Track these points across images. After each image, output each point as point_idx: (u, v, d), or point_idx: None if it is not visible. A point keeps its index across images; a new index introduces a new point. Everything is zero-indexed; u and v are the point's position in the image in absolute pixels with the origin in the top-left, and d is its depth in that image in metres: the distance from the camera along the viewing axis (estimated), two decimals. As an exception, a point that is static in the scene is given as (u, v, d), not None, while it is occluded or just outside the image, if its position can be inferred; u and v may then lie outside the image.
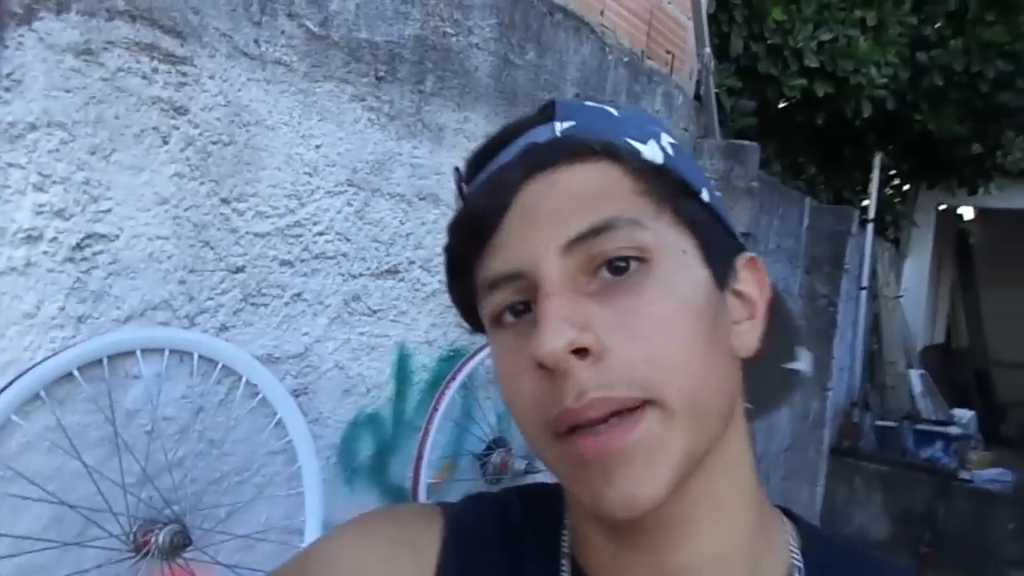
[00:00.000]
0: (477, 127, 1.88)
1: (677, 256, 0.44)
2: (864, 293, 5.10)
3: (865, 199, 5.50)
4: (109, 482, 1.20)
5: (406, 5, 1.67)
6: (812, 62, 4.07)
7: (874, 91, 4.36)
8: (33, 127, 1.10)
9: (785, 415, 4.20)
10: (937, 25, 5.02)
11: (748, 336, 0.48)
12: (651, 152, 0.46)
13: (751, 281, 0.49)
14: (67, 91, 1.14)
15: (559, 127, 0.45)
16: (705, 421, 0.43)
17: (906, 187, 6.76)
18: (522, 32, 2.02)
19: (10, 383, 1.08)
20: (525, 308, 0.44)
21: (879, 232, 5.76)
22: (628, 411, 0.41)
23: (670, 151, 0.47)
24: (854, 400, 5.13)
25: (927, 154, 5.57)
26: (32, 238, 1.11)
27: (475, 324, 0.50)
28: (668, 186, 0.45)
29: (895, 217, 6.39)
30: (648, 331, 0.41)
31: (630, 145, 0.45)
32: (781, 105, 4.58)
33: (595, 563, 0.49)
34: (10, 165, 1.09)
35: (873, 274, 5.34)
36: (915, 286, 6.62)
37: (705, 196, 0.48)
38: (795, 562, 0.49)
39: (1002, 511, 4.34)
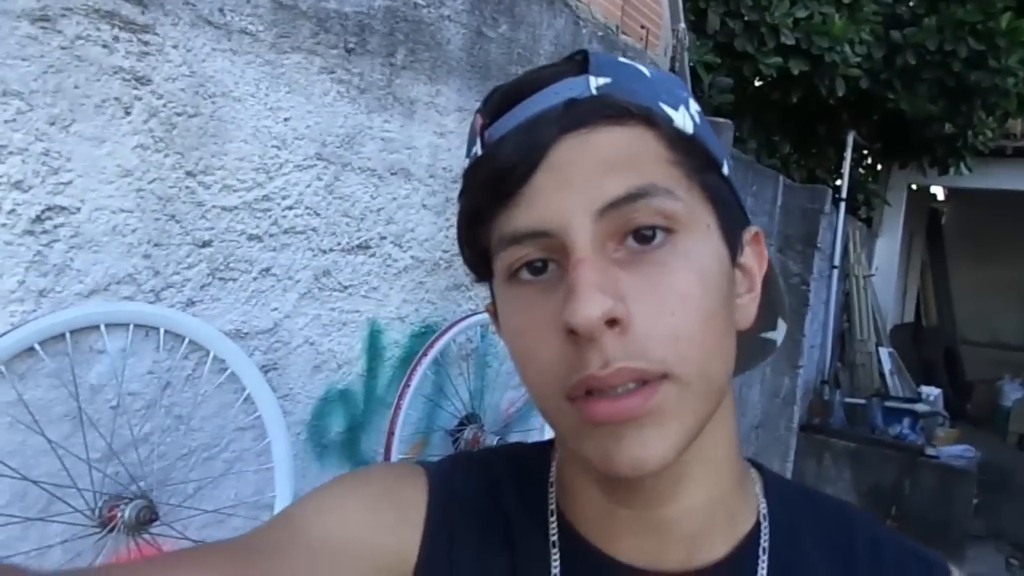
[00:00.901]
0: (449, 101, 1.86)
1: (702, 230, 0.45)
2: (836, 272, 5.15)
3: (838, 178, 5.55)
4: (74, 457, 1.18)
5: (376, -24, 1.65)
6: (788, 39, 4.08)
7: (848, 70, 4.39)
8: (-11, 96, 1.08)
9: (756, 392, 4.25)
10: (911, 3, 5.04)
11: (747, 309, 0.49)
12: (682, 120, 0.46)
13: (754, 255, 0.50)
14: (23, 59, 1.11)
15: (594, 82, 0.45)
16: (712, 391, 0.44)
17: (878, 166, 6.83)
18: (495, 5, 1.99)
19: (-32, 358, 1.06)
20: (544, 266, 0.44)
21: (851, 211, 5.82)
22: (646, 381, 0.42)
23: (698, 120, 0.47)
24: (824, 378, 5.20)
25: (899, 133, 5.62)
26: (-11, 210, 1.09)
27: (480, 273, 0.50)
28: (696, 157, 0.46)
29: (867, 196, 6.45)
30: (673, 305, 0.42)
31: (664, 111, 0.45)
32: (757, 84, 4.59)
33: (583, 517, 0.51)
34: (-35, 135, 1.06)
35: (845, 253, 5.40)
36: (886, 265, 6.71)
37: (725, 169, 0.48)
38: (761, 507, 0.52)
39: (966, 486, 4.45)
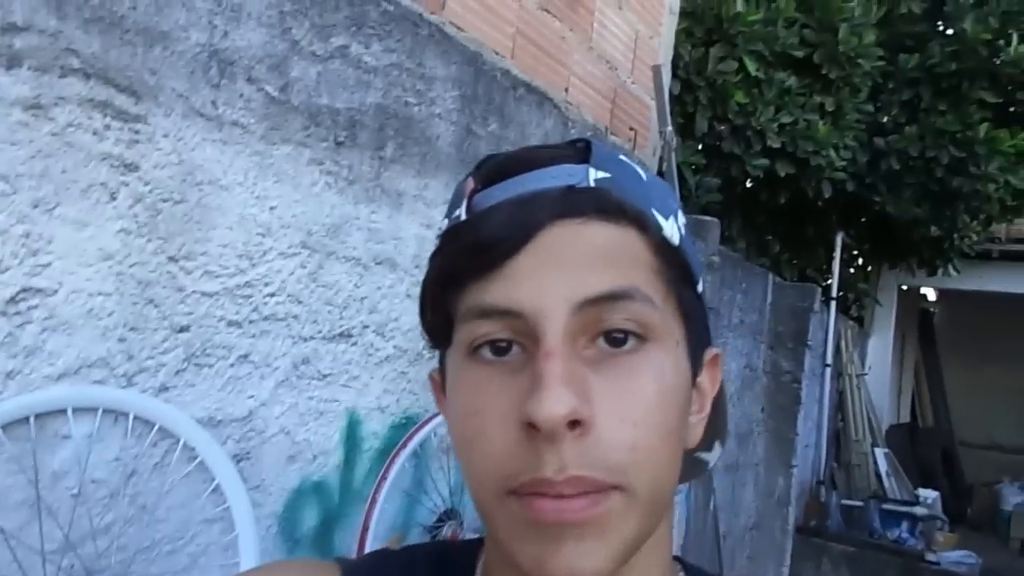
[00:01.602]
0: (437, 194, 1.90)
1: (671, 345, 0.44)
2: (828, 370, 5.14)
3: (829, 277, 5.61)
4: (26, 548, 1.14)
5: (368, 75, 1.70)
6: (774, 143, 4.21)
7: (834, 173, 4.51)
8: (-26, 178, 1.09)
9: (750, 491, 4.16)
10: (893, 113, 5.23)
11: (695, 429, 0.49)
12: (671, 230, 0.46)
13: (709, 376, 0.50)
14: (12, 144, 1.13)
15: (593, 174, 0.44)
16: (658, 507, 0.44)
17: (868, 267, 6.91)
18: (484, 104, 2.06)
19: (-73, 440, 1.03)
20: (507, 347, 0.43)
21: (843, 310, 5.85)
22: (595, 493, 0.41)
23: (683, 232, 0.47)
24: (820, 479, 5.10)
25: (887, 235, 5.73)
26: (-36, 290, 1.09)
27: (438, 340, 0.48)
28: (677, 270, 0.46)
29: (858, 295, 6.51)
30: (636, 415, 0.41)
31: (655, 218, 0.45)
32: (747, 185, 4.71)
33: None
34: (-53, 216, 1.07)
35: (837, 351, 5.40)
36: (879, 364, 6.70)
37: (700, 287, 0.49)
38: None
39: (969, 595, 4.29)
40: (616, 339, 0.42)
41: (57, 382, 1.19)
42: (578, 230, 0.43)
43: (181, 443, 1.32)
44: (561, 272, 0.42)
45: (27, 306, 1.15)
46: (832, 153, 4.40)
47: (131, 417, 1.26)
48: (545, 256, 0.42)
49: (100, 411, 1.22)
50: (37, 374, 1.16)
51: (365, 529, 1.62)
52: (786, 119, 4.25)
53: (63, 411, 1.18)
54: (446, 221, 0.48)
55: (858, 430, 5.48)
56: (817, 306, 4.45)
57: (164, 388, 1.34)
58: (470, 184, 0.46)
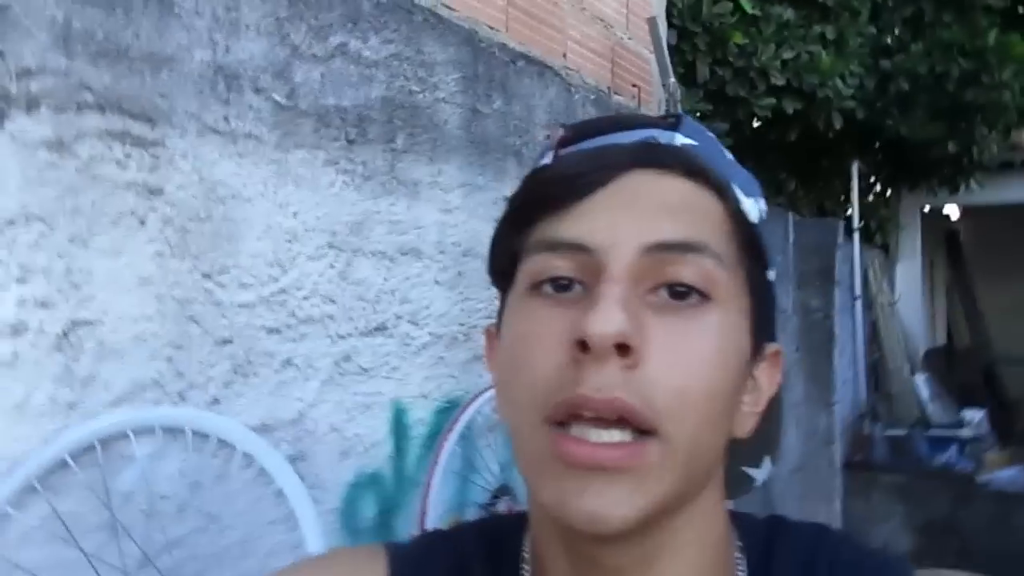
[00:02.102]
0: (452, 179, 1.91)
1: (735, 312, 0.44)
2: (858, 302, 5.11)
3: (848, 209, 5.56)
4: (109, 567, 1.19)
5: (370, 69, 1.72)
6: (778, 80, 4.15)
7: (843, 103, 4.44)
8: (11, 222, 1.13)
9: (792, 435, 4.18)
10: (896, 32, 5.13)
11: (747, 419, 0.48)
12: (749, 206, 0.46)
13: (768, 372, 0.49)
14: (42, 184, 1.16)
15: (680, 139, 0.45)
16: (697, 474, 0.43)
17: (888, 192, 6.83)
18: (487, 83, 2.06)
19: (3, 476, 1.08)
20: (568, 286, 0.42)
21: (867, 240, 5.80)
22: (633, 433, 0.40)
23: (764, 216, 0.48)
24: (862, 412, 5.11)
25: (904, 158, 5.65)
26: (17, 330, 1.13)
27: (501, 281, 0.48)
28: (750, 245, 0.46)
29: (880, 223, 6.44)
30: (687, 363, 0.41)
31: (735, 192, 0.46)
32: (755, 126, 4.66)
33: None
34: (-9, 262, 1.11)
35: (865, 282, 5.36)
36: (909, 290, 6.64)
37: (771, 275, 0.49)
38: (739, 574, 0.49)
39: (1026, 511, 4.29)
40: (679, 292, 0.42)
41: (115, 407, 1.23)
42: (657, 178, 0.43)
43: (238, 451, 1.37)
44: (635, 214, 0.42)
45: (78, 338, 1.19)
46: (839, 83, 4.33)
47: (188, 432, 1.31)
48: (621, 197, 0.43)
49: (158, 430, 1.27)
50: (96, 402, 1.21)
51: (423, 514, 1.67)
52: (788, 54, 4.19)
53: (125, 434, 1.23)
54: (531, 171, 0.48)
55: (895, 359, 5.46)
56: (840, 239, 4.42)
57: (215, 401, 1.38)
58: (558, 134, 0.47)
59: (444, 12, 2.04)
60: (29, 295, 1.14)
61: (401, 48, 1.80)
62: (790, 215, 4.32)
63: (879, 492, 4.61)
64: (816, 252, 4.35)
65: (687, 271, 0.42)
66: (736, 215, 0.45)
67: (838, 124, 4.51)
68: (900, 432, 4.98)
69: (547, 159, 0.47)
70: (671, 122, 0.47)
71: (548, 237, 0.43)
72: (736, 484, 0.54)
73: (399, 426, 1.74)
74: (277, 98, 1.51)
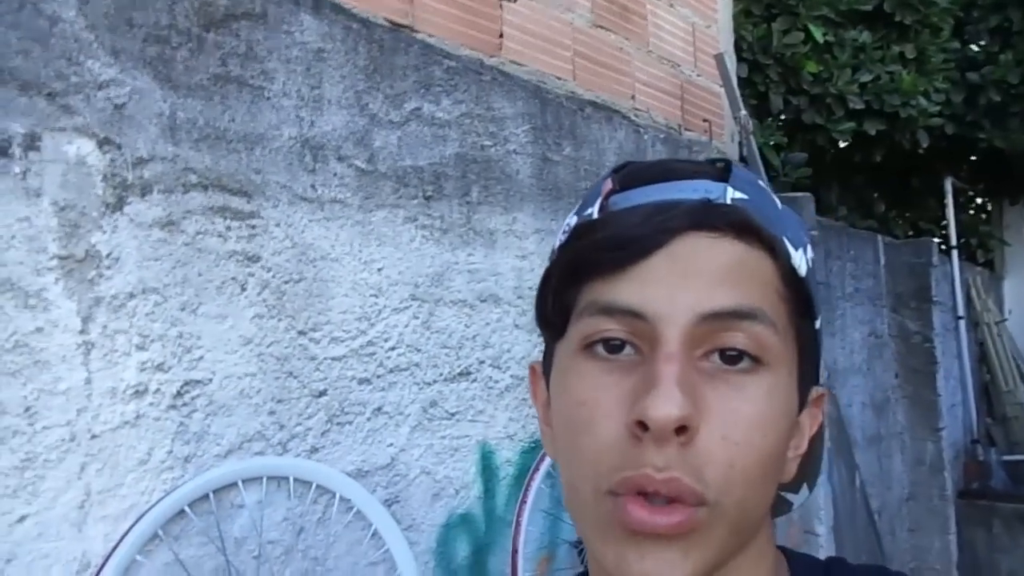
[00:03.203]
0: (526, 226, 1.99)
1: (784, 373, 0.44)
2: (962, 323, 4.88)
3: (946, 227, 5.34)
4: (226, 608, 1.29)
5: (444, 129, 1.82)
6: (857, 104, 4.09)
7: (928, 120, 4.32)
8: (131, 295, 1.26)
9: (898, 462, 4.00)
10: (983, 43, 4.97)
11: (791, 464, 0.49)
12: (799, 260, 0.46)
13: (811, 415, 0.50)
14: (156, 259, 1.30)
15: (731, 193, 0.45)
16: (744, 530, 0.44)
17: (988, 207, 6.53)
18: (556, 131, 2.14)
19: (132, 526, 1.20)
20: (621, 346, 0.43)
21: (968, 258, 5.55)
22: (687, 503, 0.42)
23: (811, 265, 0.48)
24: (975, 437, 4.84)
25: (1001, 170, 5.41)
26: (139, 392, 1.25)
27: (552, 329, 0.49)
28: (801, 301, 0.46)
29: (981, 239, 6.15)
30: (739, 435, 0.42)
31: (786, 246, 0.46)
32: (840, 146, 4.57)
33: None
34: (116, 331, 1.24)
35: (968, 302, 5.12)
36: (1020, 307, 6.28)
37: (818, 324, 0.49)
38: None
39: None
40: (731, 357, 0.43)
41: (225, 458, 1.34)
42: (712, 243, 0.43)
43: (337, 497, 1.45)
44: (690, 282, 0.42)
45: (191, 397, 1.31)
46: (922, 101, 4.23)
47: (291, 480, 1.40)
48: (676, 263, 0.43)
49: (264, 479, 1.37)
50: (208, 455, 1.32)
51: (514, 552, 1.71)
52: (866, 77, 4.13)
53: (234, 484, 1.33)
54: (575, 217, 0.48)
55: (1007, 380, 5.16)
56: (935, 259, 4.26)
57: (314, 449, 1.48)
58: (608, 185, 0.47)
59: (511, 68, 2.14)
60: (148, 360, 1.27)
61: (471, 107, 1.90)
62: (879, 238, 4.20)
63: (1000, 521, 4.34)
64: (910, 273, 4.20)
65: (740, 338, 0.43)
66: (787, 273, 0.46)
67: (924, 142, 4.38)
68: (1019, 457, 4.68)
69: (594, 209, 0.47)
70: (721, 170, 0.47)
71: (603, 301, 0.44)
72: (774, 508, 0.56)
73: (487, 467, 1.80)
74: (358, 163, 1.63)
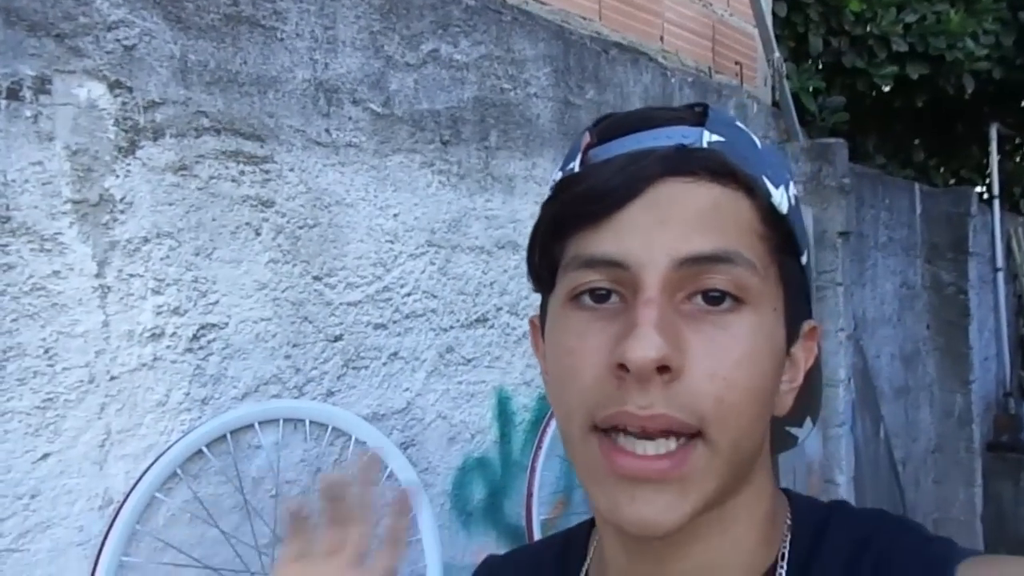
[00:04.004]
0: (546, 172, 1.96)
1: (767, 310, 0.45)
2: (1000, 275, 4.76)
3: (989, 176, 5.17)
4: (245, 545, 1.33)
5: (461, 71, 1.79)
6: (901, 46, 3.92)
7: (975, 64, 4.14)
8: (146, 240, 1.27)
9: (926, 413, 3.96)
10: (1037, -18, 4.71)
11: (785, 398, 0.49)
12: (780, 198, 0.46)
13: (805, 348, 0.51)
14: (170, 204, 1.30)
15: (708, 136, 0.45)
16: (737, 466, 0.45)
17: (1035, 155, 6.29)
18: (578, 74, 2.09)
19: (151, 465, 1.23)
20: (607, 295, 0.44)
21: (1011, 208, 5.38)
22: (678, 440, 0.42)
23: (793, 202, 0.48)
24: (1007, 390, 4.76)
25: (1051, 117, 5.19)
26: (155, 336, 1.27)
27: (541, 284, 0.50)
28: (782, 239, 0.47)
29: (1026, 189, 5.95)
30: (724, 372, 0.42)
31: (765, 185, 0.46)
32: (881, 91, 4.41)
33: (608, 572, 0.52)
34: (131, 275, 1.25)
35: (1008, 253, 4.99)
36: (1063, 258, 6.09)
37: (804, 258, 0.49)
38: (783, 549, 0.49)
39: None
40: (713, 298, 0.43)
41: (242, 401, 1.36)
42: (687, 188, 0.44)
43: (352, 439, 1.48)
44: (667, 228, 0.43)
45: (207, 341, 1.33)
46: (969, 43, 4.04)
47: (307, 423, 1.43)
48: (653, 211, 0.43)
49: (281, 421, 1.39)
50: (225, 397, 1.34)
51: (529, 495, 1.74)
52: (911, 17, 3.95)
53: (251, 426, 1.36)
54: (559, 173, 0.49)
55: (1046, 333, 5.05)
56: (975, 209, 4.13)
57: (330, 393, 1.50)
58: (586, 139, 0.48)
59: (533, 7, 2.08)
60: (164, 304, 1.28)
61: (491, 48, 1.86)
62: (916, 186, 4.08)
63: (1029, 476, 4.30)
64: (948, 223, 4.09)
65: (719, 280, 0.43)
66: (766, 212, 0.46)
67: (970, 87, 4.21)
68: (1052, 412, 4.61)
69: (575, 164, 0.48)
70: (698, 115, 0.47)
71: (585, 254, 0.45)
72: (780, 442, 0.57)
73: (503, 413, 1.82)
74: (374, 107, 1.61)
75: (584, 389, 0.44)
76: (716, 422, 0.42)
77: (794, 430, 0.57)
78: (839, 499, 0.57)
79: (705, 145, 0.45)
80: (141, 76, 1.27)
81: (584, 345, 0.44)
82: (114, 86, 1.24)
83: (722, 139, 0.46)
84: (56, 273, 1.17)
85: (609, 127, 0.48)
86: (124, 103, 1.26)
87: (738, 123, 0.49)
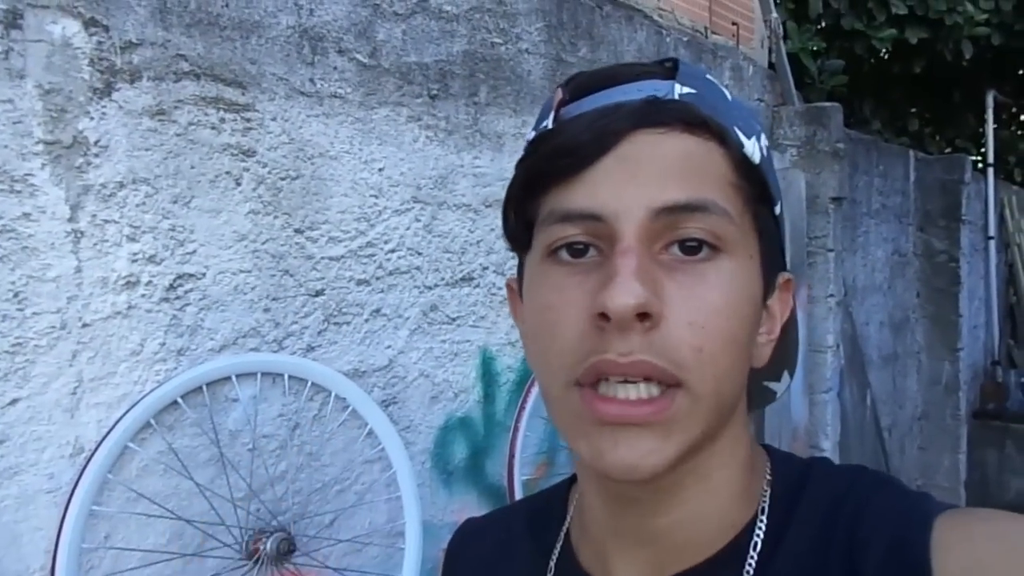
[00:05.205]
0: (536, 129, 1.92)
1: (744, 259, 0.46)
2: (992, 243, 4.76)
3: (984, 144, 5.14)
4: (220, 498, 1.32)
5: (451, 23, 1.74)
6: (900, 8, 3.87)
7: (974, 29, 4.08)
8: (121, 185, 1.24)
9: (913, 381, 3.98)
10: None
11: (763, 350, 0.50)
12: (752, 148, 0.47)
13: (780, 300, 0.51)
14: (147, 149, 1.27)
15: (679, 89, 0.46)
16: (719, 413, 0.45)
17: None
18: (571, 31, 2.04)
19: (124, 414, 1.21)
20: (584, 250, 0.45)
21: (1006, 176, 5.36)
22: (660, 387, 0.42)
23: (765, 153, 0.48)
24: (995, 358, 4.79)
25: (1049, 87, 5.14)
26: (130, 284, 1.25)
27: (518, 244, 0.50)
28: (756, 188, 0.47)
29: (1020, 158, 5.92)
30: (704, 318, 0.43)
31: (737, 135, 0.46)
32: (875, 60, 4.36)
33: (589, 527, 0.52)
34: (105, 221, 1.22)
35: (1001, 222, 4.98)
36: (1055, 230, 6.10)
37: (778, 209, 0.50)
38: (763, 502, 0.50)
39: None
40: (690, 247, 0.44)
41: (219, 353, 1.34)
42: (659, 140, 0.44)
43: (332, 395, 1.46)
44: (641, 179, 0.43)
45: (184, 291, 1.30)
46: (969, 7, 3.98)
47: (286, 377, 1.41)
48: (626, 163, 0.44)
49: (259, 375, 1.37)
50: (201, 349, 1.32)
51: (511, 456, 1.73)
52: (912, -21, 3.89)
53: (228, 378, 1.34)
54: (532, 132, 0.49)
55: (1034, 304, 5.07)
56: (969, 177, 4.10)
57: (310, 348, 1.48)
58: (559, 95, 0.48)
59: (528, -40, 2.02)
60: (139, 251, 1.25)
61: (483, 1, 1.81)
62: (911, 152, 4.05)
63: (1013, 442, 4.34)
64: (941, 191, 4.07)
65: (695, 228, 0.44)
66: (738, 161, 0.46)
67: (968, 53, 4.16)
68: (1038, 382, 4.65)
69: (548, 121, 0.47)
70: (668, 70, 0.47)
71: (560, 208, 0.45)
72: (758, 397, 0.57)
73: (487, 372, 1.80)
74: (360, 57, 1.56)
75: (565, 343, 0.44)
76: (696, 371, 0.43)
77: (772, 384, 0.57)
78: (820, 456, 0.56)
79: (676, 97, 0.45)
80: (118, 15, 1.23)
81: (563, 299, 0.44)
82: (90, 24, 1.20)
83: (693, 91, 0.46)
84: (27, 215, 1.14)
85: (581, 83, 0.48)
86: (100, 42, 1.21)
87: (708, 76, 0.49)
